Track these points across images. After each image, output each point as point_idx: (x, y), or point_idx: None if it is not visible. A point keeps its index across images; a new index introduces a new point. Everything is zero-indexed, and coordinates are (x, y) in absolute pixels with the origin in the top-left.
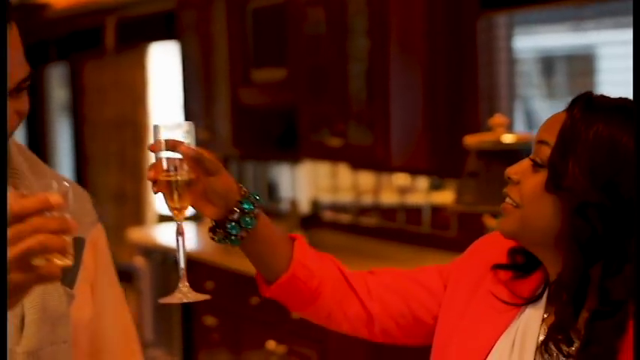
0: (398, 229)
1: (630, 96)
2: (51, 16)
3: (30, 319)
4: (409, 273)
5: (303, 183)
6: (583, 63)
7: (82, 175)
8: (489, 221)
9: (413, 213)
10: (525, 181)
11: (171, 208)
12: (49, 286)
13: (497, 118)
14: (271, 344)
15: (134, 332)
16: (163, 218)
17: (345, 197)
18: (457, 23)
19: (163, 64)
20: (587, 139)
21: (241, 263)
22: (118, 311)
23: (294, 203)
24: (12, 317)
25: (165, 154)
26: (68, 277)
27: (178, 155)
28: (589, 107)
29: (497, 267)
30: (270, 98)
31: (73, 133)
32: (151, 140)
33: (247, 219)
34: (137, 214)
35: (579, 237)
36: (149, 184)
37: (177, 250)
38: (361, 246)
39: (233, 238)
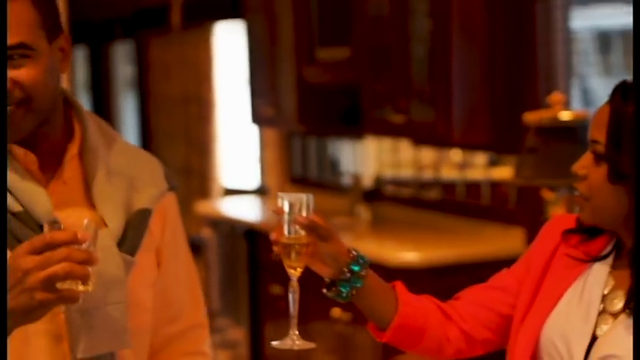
0: (458, 202)
1: None
2: None
3: None
4: (484, 284)
5: (366, 158)
6: None
7: (148, 149)
8: (547, 194)
9: (472, 188)
10: (591, 174)
11: (287, 267)
12: (107, 253)
13: (556, 96)
14: (336, 312)
15: (199, 290)
16: (229, 192)
17: (406, 172)
18: (516, 4)
19: (229, 43)
20: (631, 127)
21: None
22: (185, 271)
23: (357, 178)
24: None
25: (286, 219)
26: (129, 245)
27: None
28: (625, 96)
29: (567, 232)
30: (334, 76)
31: (138, 109)
32: (272, 201)
33: (356, 279)
34: (203, 187)
35: None
36: (215, 158)
37: (291, 303)
38: (422, 219)
39: (344, 295)
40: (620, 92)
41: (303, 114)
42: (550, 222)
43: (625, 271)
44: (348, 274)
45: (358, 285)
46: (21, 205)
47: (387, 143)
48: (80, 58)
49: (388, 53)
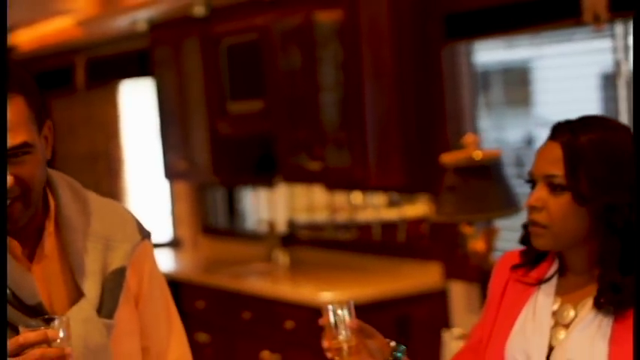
0: (374, 241)
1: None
2: (17, 57)
3: (76, 352)
4: (467, 347)
5: (279, 204)
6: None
7: None
8: (466, 229)
9: (386, 227)
10: (550, 205)
11: None
12: (90, 324)
13: (469, 137)
14: (265, 354)
15: (180, 328)
16: None
17: (320, 216)
18: (423, 51)
19: (136, 99)
20: (588, 155)
21: (229, 281)
22: (165, 311)
23: (271, 224)
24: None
25: (335, 326)
26: (107, 309)
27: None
28: (573, 132)
29: (514, 267)
30: (247, 128)
31: None
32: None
33: None
34: None
35: (614, 226)
36: None
37: None
38: (339, 260)
39: None
40: (567, 129)
41: (217, 166)
42: (499, 260)
43: (568, 287)
44: None
45: None
46: (9, 290)
47: (299, 189)
48: None
49: (302, 103)
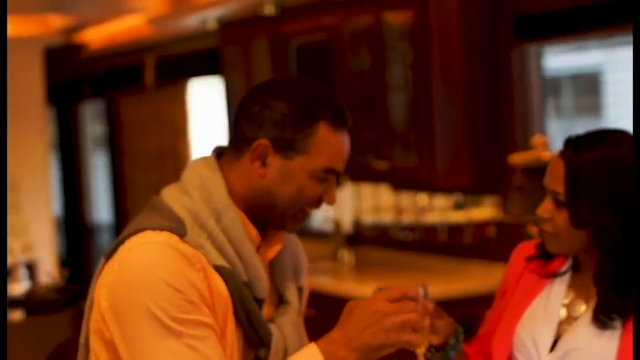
0: (439, 242)
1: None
2: (87, 55)
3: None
4: (481, 334)
5: (346, 204)
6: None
7: (120, 206)
8: (533, 230)
9: (451, 229)
10: (555, 218)
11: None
12: (296, 326)
13: (539, 138)
14: None
15: None
16: None
17: (386, 216)
18: (493, 52)
19: (204, 98)
20: (587, 176)
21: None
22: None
23: (337, 223)
24: (278, 353)
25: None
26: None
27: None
28: (576, 149)
29: (530, 258)
30: None
31: (110, 166)
32: None
33: (459, 343)
34: None
35: (606, 246)
36: None
37: None
38: (404, 260)
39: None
40: (572, 146)
41: None
42: (515, 250)
43: (581, 283)
44: (453, 341)
45: (460, 347)
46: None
47: (366, 190)
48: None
49: (370, 103)
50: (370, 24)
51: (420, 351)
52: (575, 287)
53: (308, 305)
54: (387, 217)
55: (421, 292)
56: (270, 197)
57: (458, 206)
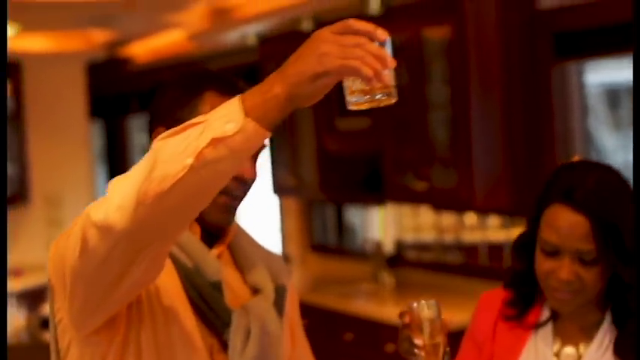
0: (480, 265)
1: None
2: (133, 69)
3: (255, 334)
4: None
5: (386, 224)
6: None
7: None
8: None
9: (492, 250)
10: (583, 277)
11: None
12: (268, 312)
13: (577, 159)
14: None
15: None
16: None
17: (427, 236)
18: (533, 68)
19: None
20: (618, 228)
21: (334, 301)
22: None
23: (378, 244)
24: (239, 332)
25: (426, 324)
26: (278, 309)
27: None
28: (600, 202)
29: (508, 317)
30: (354, 145)
31: None
32: None
33: None
34: None
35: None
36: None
37: None
38: (445, 283)
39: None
40: (592, 199)
41: (324, 183)
42: (482, 299)
43: (565, 330)
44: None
45: None
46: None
47: (406, 208)
48: (97, 130)
49: (409, 121)
50: (409, 39)
51: None
52: (560, 335)
53: (345, 327)
54: (428, 236)
55: (435, 310)
56: None
57: (504, 225)
